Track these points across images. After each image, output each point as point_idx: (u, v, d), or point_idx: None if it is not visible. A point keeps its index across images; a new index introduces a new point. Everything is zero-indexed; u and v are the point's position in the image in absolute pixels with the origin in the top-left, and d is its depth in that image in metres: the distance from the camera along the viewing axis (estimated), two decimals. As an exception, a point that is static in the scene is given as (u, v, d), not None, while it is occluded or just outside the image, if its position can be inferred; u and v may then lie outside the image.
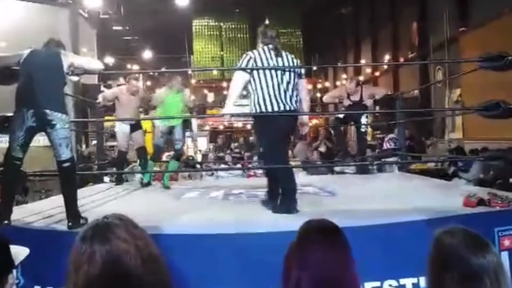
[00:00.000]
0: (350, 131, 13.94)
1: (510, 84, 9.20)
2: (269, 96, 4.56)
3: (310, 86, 28.51)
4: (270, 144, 4.66)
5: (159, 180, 7.30)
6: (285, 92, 4.56)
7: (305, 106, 4.88)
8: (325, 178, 7.65)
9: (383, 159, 9.00)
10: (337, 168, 8.67)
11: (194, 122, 8.42)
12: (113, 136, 9.77)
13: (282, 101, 4.54)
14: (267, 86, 4.57)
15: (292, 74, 4.66)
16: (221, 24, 28.32)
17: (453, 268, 1.66)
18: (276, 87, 4.56)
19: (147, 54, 25.04)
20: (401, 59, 20.28)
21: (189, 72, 26.39)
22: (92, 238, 1.34)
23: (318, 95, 26.00)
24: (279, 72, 4.60)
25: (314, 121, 28.30)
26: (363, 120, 8.03)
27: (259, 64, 4.61)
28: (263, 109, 4.57)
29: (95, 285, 1.28)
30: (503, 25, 11.44)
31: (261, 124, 4.74)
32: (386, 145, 9.49)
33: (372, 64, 24.79)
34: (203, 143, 21.93)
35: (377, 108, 9.69)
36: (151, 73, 25.53)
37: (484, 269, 1.62)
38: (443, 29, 15.87)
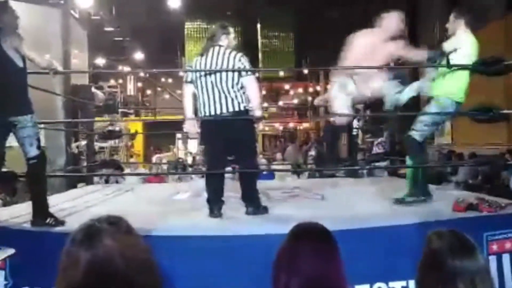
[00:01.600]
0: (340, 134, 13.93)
1: (497, 89, 9.28)
2: (199, 101, 4.50)
3: (301, 90, 28.61)
4: (205, 149, 4.60)
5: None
6: (209, 95, 4.42)
7: (254, 105, 4.54)
8: (315, 182, 7.67)
9: (373, 163, 9.03)
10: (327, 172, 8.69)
11: None
12: (103, 137, 9.73)
13: (208, 106, 4.43)
14: (197, 91, 4.50)
15: (224, 74, 4.41)
16: (213, 26, 28.30)
17: (432, 270, 1.69)
18: (200, 91, 4.46)
19: (139, 56, 24.95)
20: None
21: (181, 74, 26.33)
22: (80, 242, 1.34)
23: (309, 98, 26.01)
24: (202, 74, 4.46)
25: (305, 125, 28.33)
26: (355, 123, 8.05)
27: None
28: (199, 115, 4.54)
29: (74, 281, 1.29)
30: (493, 29, 11.52)
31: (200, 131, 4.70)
32: (375, 149, 9.53)
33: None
34: (193, 146, 21.91)
35: (367, 112, 9.72)
36: (142, 74, 25.48)
37: (458, 273, 1.64)
38: (434, 32, 15.94)
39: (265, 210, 4.45)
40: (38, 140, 4.02)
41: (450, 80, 4.64)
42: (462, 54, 4.60)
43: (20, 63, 3.97)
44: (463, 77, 4.66)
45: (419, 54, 5.00)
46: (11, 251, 2.21)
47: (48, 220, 3.87)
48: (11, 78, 3.93)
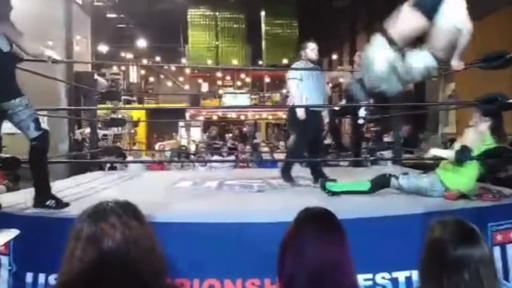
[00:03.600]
0: (344, 124, 13.91)
1: (504, 79, 9.21)
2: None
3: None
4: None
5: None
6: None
7: None
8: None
9: (377, 152, 9.02)
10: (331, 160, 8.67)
11: None
12: (106, 124, 9.72)
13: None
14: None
15: None
16: (217, 13, 28.11)
17: (435, 258, 1.68)
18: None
19: (142, 43, 24.88)
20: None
21: (183, 61, 26.23)
22: (85, 218, 1.39)
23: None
24: None
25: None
26: (361, 113, 7.99)
27: None
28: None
29: (77, 260, 1.33)
30: (498, 21, 11.44)
31: None
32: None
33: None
34: (196, 134, 21.90)
35: (371, 101, 9.67)
36: (146, 62, 25.42)
37: (462, 262, 1.63)
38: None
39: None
40: (35, 121, 3.96)
41: (460, 173, 4.49)
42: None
43: (5, 48, 3.88)
44: (473, 169, 4.54)
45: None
46: (15, 232, 2.22)
47: (48, 202, 3.86)
48: None
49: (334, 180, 5.07)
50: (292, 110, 5.99)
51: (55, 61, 4.28)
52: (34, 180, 4.02)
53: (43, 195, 3.94)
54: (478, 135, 4.54)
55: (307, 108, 5.74)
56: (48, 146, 4.11)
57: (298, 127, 5.90)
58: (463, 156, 4.45)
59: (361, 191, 4.70)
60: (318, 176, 5.64)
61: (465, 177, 4.42)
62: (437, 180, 4.48)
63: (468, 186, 4.41)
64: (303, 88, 5.89)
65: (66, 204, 3.92)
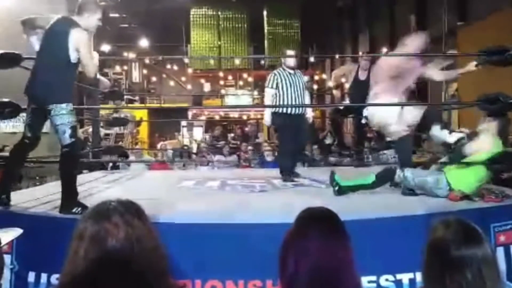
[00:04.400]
0: (347, 123, 13.90)
1: (506, 79, 9.19)
2: None
3: (307, 78, 28.52)
4: None
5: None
6: None
7: None
8: (320, 170, 7.65)
9: (380, 151, 9.00)
10: (332, 160, 8.67)
11: None
12: (109, 124, 9.73)
13: None
14: None
15: None
16: (219, 13, 28.12)
17: (438, 258, 1.68)
18: None
19: (144, 42, 24.89)
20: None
21: (186, 61, 26.24)
22: (89, 218, 1.40)
23: (315, 86, 25.92)
24: None
25: (312, 114, 28.17)
26: (365, 112, 7.98)
27: None
28: None
29: (81, 260, 1.33)
30: (501, 19, 11.42)
31: None
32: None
33: (369, 55, 24.73)
34: (198, 133, 21.92)
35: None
36: (148, 61, 25.44)
37: (465, 262, 1.63)
38: (441, 23, 15.82)
39: None
40: (72, 128, 4.03)
41: (466, 175, 4.46)
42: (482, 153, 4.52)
43: (73, 57, 3.99)
44: (480, 172, 4.51)
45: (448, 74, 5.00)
46: (18, 231, 2.21)
47: (75, 209, 3.86)
48: (58, 68, 3.99)
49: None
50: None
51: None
52: (62, 185, 4.02)
53: (70, 202, 3.94)
54: (491, 139, 4.53)
55: (282, 113, 6.09)
56: (79, 154, 4.17)
57: (279, 131, 6.50)
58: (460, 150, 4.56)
59: (366, 184, 4.71)
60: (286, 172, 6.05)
61: (471, 179, 4.41)
62: (443, 179, 4.47)
63: (473, 188, 4.40)
64: (281, 95, 6.15)
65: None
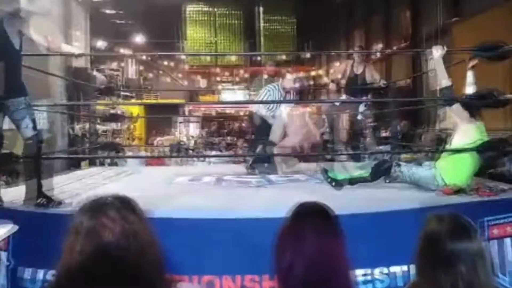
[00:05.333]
0: (342, 119, 13.89)
1: (500, 75, 9.23)
2: None
3: (302, 74, 28.50)
4: None
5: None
6: None
7: None
8: (315, 166, 7.66)
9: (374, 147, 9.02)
10: (328, 156, 8.67)
11: None
12: (105, 120, 9.72)
13: None
14: None
15: None
16: (214, 9, 28.08)
17: (432, 252, 1.70)
18: None
19: (140, 39, 24.84)
20: (394, 48, 20.22)
21: (182, 57, 26.21)
22: (85, 212, 1.40)
23: (312, 82, 25.92)
24: None
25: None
26: (361, 108, 8.04)
27: None
28: None
29: (77, 255, 1.33)
30: (495, 15, 11.45)
31: None
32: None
33: (363, 52, 24.73)
34: (194, 129, 21.91)
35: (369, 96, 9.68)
36: (144, 57, 25.39)
37: (459, 256, 1.65)
38: (436, 18, 15.84)
39: None
40: (33, 121, 4.03)
41: (458, 168, 4.49)
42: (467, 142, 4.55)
43: (17, 46, 3.98)
44: (471, 164, 4.54)
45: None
46: (14, 227, 2.22)
47: (39, 200, 3.87)
48: (7, 61, 3.92)
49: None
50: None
51: (80, 55, 4.32)
52: (26, 177, 4.03)
53: (34, 193, 3.95)
54: (472, 126, 4.57)
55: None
56: (41, 145, 4.16)
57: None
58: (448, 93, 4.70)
59: (363, 177, 4.74)
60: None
61: (463, 171, 4.44)
62: (438, 174, 4.50)
63: (466, 181, 4.43)
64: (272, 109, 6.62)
65: (59, 203, 3.92)
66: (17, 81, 4.00)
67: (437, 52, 4.83)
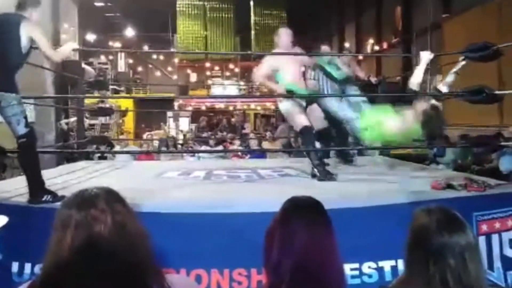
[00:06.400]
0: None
1: (491, 71, 9.28)
2: None
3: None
4: None
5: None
6: None
7: None
8: (306, 161, 7.67)
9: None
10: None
11: None
12: (94, 114, 9.67)
13: None
14: None
15: None
16: (205, 3, 28.02)
17: (421, 245, 1.70)
18: None
19: (130, 32, 24.72)
20: (385, 44, 20.30)
21: (172, 50, 26.13)
22: (72, 204, 1.37)
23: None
24: None
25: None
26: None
27: None
28: None
29: (66, 249, 1.30)
30: (486, 12, 11.51)
31: None
32: None
33: (353, 54, 24.84)
34: (185, 124, 21.87)
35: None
36: (134, 51, 25.28)
37: (447, 249, 1.64)
38: (427, 14, 15.91)
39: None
40: (26, 118, 3.98)
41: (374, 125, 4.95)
42: None
43: (24, 51, 3.97)
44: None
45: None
46: (3, 220, 2.20)
47: (45, 198, 3.84)
48: (6, 58, 3.92)
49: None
50: None
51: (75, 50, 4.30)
52: (27, 176, 3.99)
53: (38, 191, 3.91)
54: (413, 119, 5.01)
55: None
56: (35, 141, 4.12)
57: None
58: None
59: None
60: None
61: (376, 132, 4.94)
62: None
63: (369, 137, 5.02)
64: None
65: (62, 197, 3.89)
66: (11, 76, 3.96)
67: (424, 56, 5.00)
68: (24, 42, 3.93)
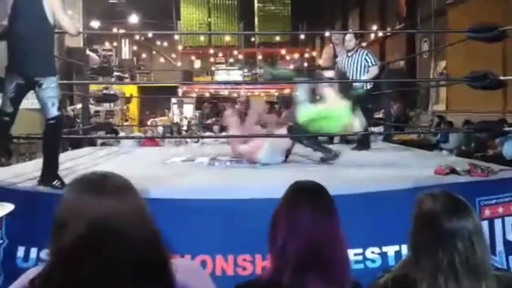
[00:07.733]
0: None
1: (495, 57, 9.23)
2: None
3: (297, 55, 28.41)
4: None
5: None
6: None
7: None
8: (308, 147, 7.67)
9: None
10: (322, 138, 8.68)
11: None
12: (99, 100, 9.67)
13: None
14: None
15: None
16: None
17: (427, 230, 1.70)
18: None
19: (134, 19, 24.65)
20: (389, 30, 20.16)
21: (176, 38, 26.03)
22: (77, 190, 1.31)
23: (306, 64, 25.85)
24: None
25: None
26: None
27: None
28: None
29: (69, 233, 1.24)
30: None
31: None
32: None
33: (359, 31, 24.66)
34: (189, 110, 21.84)
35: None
36: (138, 38, 25.22)
37: (456, 233, 1.65)
38: (431, 1, 15.79)
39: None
40: (60, 101, 4.03)
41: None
42: None
43: (52, 22, 3.95)
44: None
45: None
46: (10, 206, 2.21)
47: (55, 182, 3.86)
48: (43, 37, 3.94)
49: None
50: None
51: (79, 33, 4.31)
52: (45, 158, 4.01)
53: (50, 175, 3.93)
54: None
55: None
56: (63, 126, 4.15)
57: None
58: None
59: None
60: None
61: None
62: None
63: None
64: None
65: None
66: (50, 59, 4.02)
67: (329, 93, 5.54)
68: (49, 16, 3.90)
